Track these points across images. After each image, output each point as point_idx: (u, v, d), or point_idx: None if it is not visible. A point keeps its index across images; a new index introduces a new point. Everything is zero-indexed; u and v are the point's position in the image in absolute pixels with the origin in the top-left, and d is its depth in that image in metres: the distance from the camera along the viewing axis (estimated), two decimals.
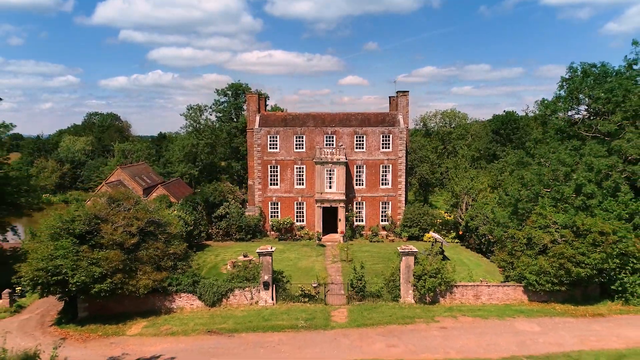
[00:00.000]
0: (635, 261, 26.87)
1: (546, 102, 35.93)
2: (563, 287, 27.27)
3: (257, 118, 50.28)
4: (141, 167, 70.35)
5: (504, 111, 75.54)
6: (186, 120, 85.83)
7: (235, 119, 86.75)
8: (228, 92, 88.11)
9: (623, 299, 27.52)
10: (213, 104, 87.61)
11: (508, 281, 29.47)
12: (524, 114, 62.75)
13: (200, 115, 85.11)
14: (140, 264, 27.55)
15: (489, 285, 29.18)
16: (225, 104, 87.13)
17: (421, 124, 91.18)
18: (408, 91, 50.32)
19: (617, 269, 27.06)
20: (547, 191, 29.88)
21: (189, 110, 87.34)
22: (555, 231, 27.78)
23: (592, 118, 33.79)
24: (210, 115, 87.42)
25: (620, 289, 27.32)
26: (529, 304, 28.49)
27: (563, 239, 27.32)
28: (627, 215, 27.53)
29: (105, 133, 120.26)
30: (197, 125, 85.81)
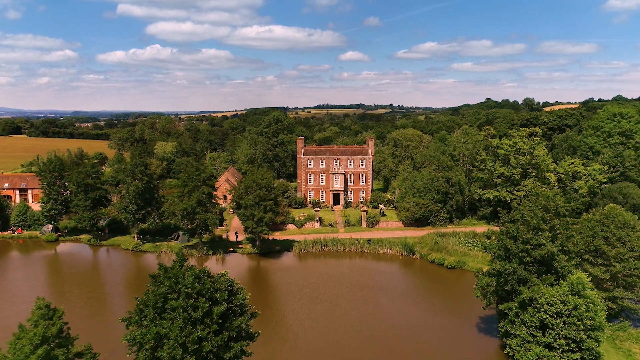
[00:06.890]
0: (435, 213, 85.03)
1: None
2: (413, 222, 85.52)
3: (302, 150, 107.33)
4: (232, 169, 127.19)
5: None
6: (246, 139, 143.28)
7: (276, 137, 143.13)
8: (272, 119, 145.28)
9: (431, 225, 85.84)
10: (264, 126, 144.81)
11: (398, 220, 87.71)
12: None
13: (257, 136, 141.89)
14: (277, 213, 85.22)
15: (392, 222, 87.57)
16: (270, 126, 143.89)
17: (392, 140, 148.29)
18: (373, 138, 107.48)
19: (429, 216, 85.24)
20: (411, 189, 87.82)
21: (249, 131, 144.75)
22: (412, 204, 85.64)
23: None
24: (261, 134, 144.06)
25: (430, 222, 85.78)
26: (403, 227, 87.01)
27: (413, 206, 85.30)
28: (432, 198, 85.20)
29: (180, 138, 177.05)
30: (255, 141, 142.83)
